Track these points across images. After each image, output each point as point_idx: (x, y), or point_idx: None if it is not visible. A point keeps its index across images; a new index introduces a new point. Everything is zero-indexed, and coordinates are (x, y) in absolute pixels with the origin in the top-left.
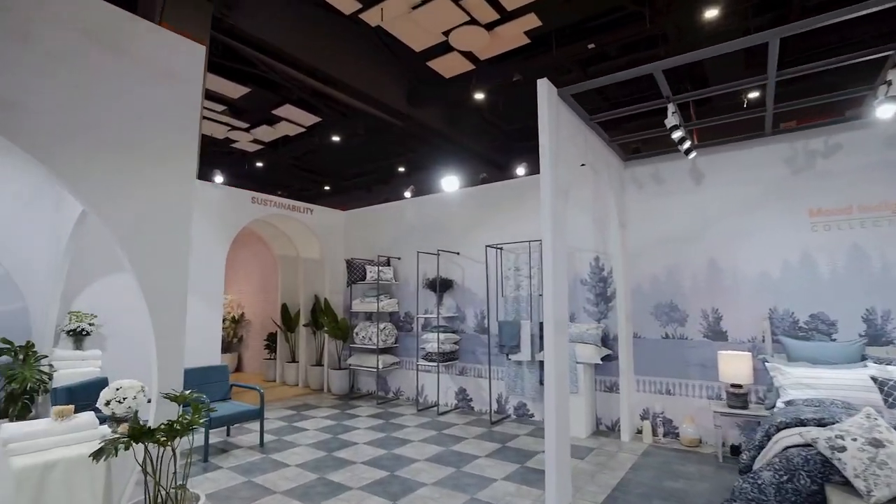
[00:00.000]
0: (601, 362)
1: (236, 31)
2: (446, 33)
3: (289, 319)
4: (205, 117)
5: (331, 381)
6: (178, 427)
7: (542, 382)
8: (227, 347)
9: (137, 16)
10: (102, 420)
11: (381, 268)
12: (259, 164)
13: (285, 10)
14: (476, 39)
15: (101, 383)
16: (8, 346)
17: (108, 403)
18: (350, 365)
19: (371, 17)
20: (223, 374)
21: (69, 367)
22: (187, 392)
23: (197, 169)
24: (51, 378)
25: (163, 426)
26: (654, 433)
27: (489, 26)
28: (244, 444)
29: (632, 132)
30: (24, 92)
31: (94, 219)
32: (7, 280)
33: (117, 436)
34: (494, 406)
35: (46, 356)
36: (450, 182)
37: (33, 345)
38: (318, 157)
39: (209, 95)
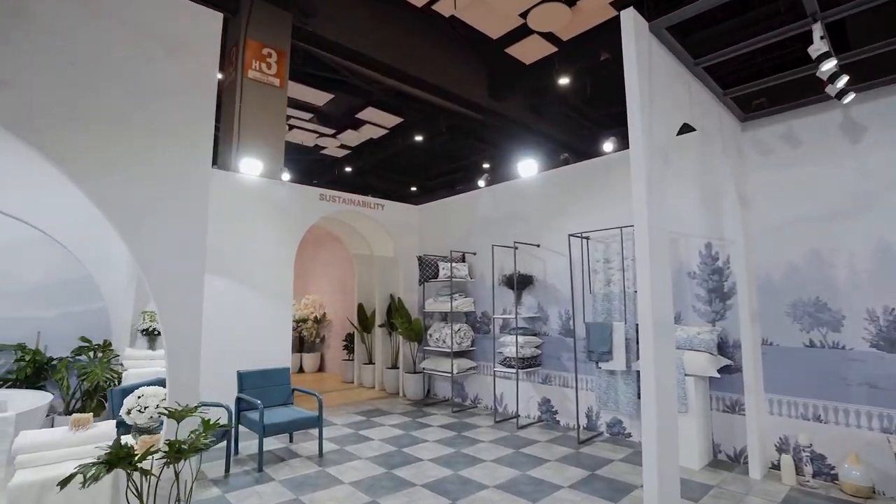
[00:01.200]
0: (717, 375)
1: (316, 38)
2: (524, 15)
3: (365, 320)
4: (294, 126)
5: (405, 385)
6: (175, 449)
7: (640, 396)
8: (310, 348)
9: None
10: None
11: (454, 264)
12: (348, 169)
13: (360, 12)
14: (556, 18)
15: (158, 385)
16: (87, 344)
17: (129, 412)
18: (424, 369)
19: (444, 6)
20: (284, 378)
21: (138, 367)
22: (193, 406)
23: (212, 150)
24: (120, 377)
25: (159, 448)
26: (799, 471)
27: (570, 1)
28: (305, 452)
29: (753, 80)
30: (15, 70)
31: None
32: (88, 281)
33: (92, 460)
34: (583, 421)
35: (118, 355)
36: (527, 166)
37: (110, 343)
38: (403, 158)
39: (296, 104)
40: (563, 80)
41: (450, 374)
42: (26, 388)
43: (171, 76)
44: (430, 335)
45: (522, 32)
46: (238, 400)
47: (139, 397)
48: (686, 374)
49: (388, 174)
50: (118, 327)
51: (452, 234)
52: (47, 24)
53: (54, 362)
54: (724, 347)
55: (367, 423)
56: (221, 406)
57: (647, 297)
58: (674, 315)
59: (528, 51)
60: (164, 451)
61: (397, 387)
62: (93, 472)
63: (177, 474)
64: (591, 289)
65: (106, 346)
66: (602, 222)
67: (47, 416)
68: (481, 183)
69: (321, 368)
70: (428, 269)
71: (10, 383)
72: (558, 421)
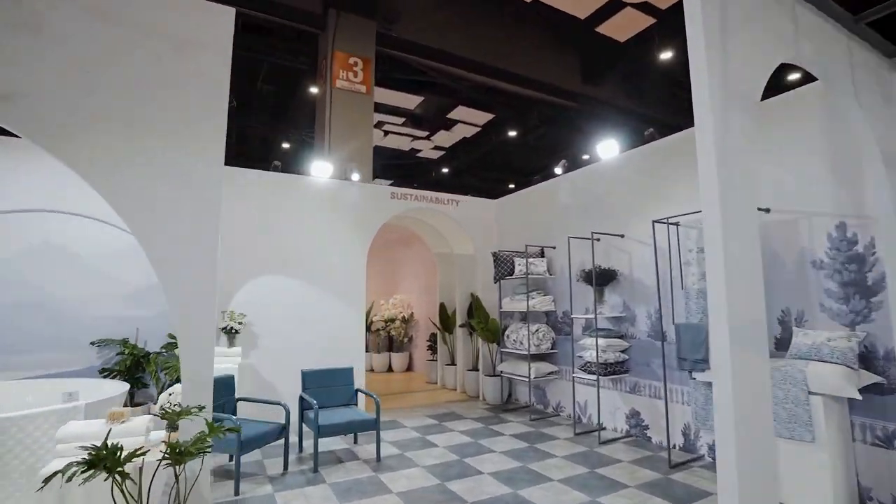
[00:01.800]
0: (858, 396)
1: (400, 42)
2: None
3: (446, 319)
4: (389, 131)
5: (485, 388)
6: (176, 451)
7: None
8: (399, 347)
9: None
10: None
11: (530, 259)
12: (444, 170)
13: (441, 11)
14: None
15: (224, 381)
16: (173, 340)
17: (162, 409)
18: (501, 372)
19: None
20: (347, 378)
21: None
22: (194, 408)
23: (223, 148)
24: None
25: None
26: None
27: None
28: (364, 455)
29: None
30: (30, 82)
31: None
32: (156, 290)
33: (75, 460)
34: (679, 440)
35: None
36: (607, 147)
37: None
38: (498, 155)
39: (388, 109)
40: (665, 55)
41: (527, 379)
42: (125, 379)
43: (179, 74)
44: (508, 336)
45: (613, 7)
46: (301, 399)
47: (170, 394)
48: (811, 393)
49: (483, 172)
50: None
51: (531, 228)
52: (61, 34)
53: (151, 357)
54: (872, 359)
55: (438, 427)
56: (280, 405)
57: (719, 293)
58: (795, 315)
59: (622, 27)
60: (166, 454)
61: (477, 390)
62: (71, 472)
63: (177, 476)
64: (683, 284)
65: None
66: (694, 205)
67: (143, 404)
68: (558, 170)
69: (409, 368)
70: (503, 266)
71: (113, 374)
72: (649, 438)
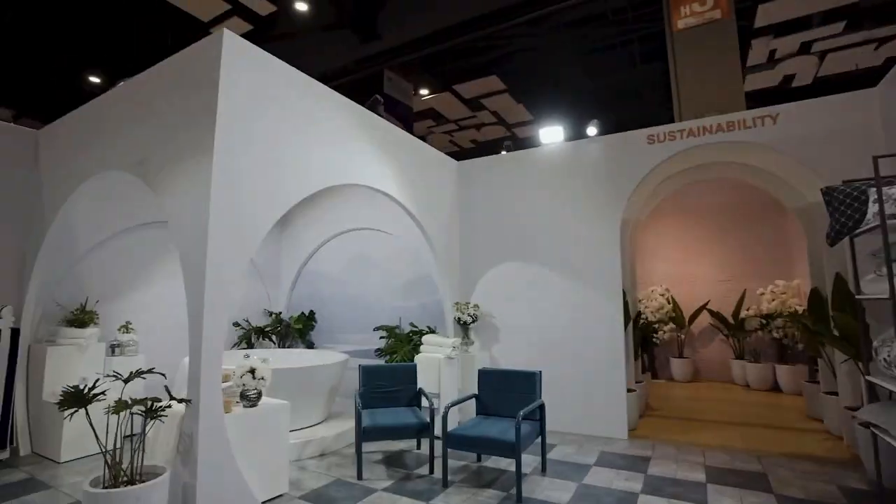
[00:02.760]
0: None
1: None
2: None
3: (823, 316)
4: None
5: (860, 444)
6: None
7: None
8: (793, 357)
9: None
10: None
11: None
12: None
13: None
14: None
15: (399, 369)
16: (415, 328)
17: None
18: (868, 423)
19: None
20: (530, 384)
21: (426, 352)
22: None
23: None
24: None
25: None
26: None
27: None
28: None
29: None
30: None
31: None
32: (429, 280)
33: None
34: None
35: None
36: None
37: (432, 329)
38: None
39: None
40: None
41: None
42: (387, 357)
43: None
44: (876, 350)
45: None
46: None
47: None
48: None
49: None
50: (448, 317)
51: None
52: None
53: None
54: None
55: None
56: (428, 401)
57: None
58: None
59: None
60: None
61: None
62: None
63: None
64: None
65: (421, 332)
66: None
67: None
68: None
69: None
70: (849, 210)
71: (383, 353)
72: None
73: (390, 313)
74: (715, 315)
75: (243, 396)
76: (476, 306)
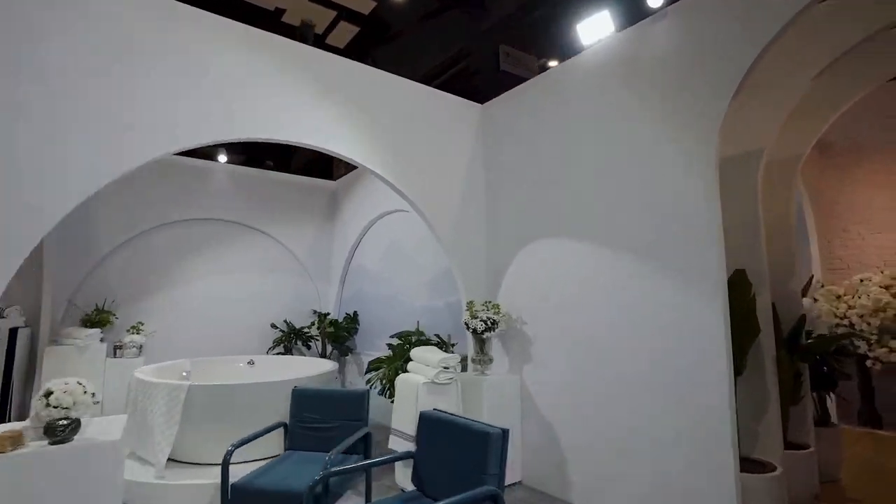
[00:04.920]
0: None
1: None
2: None
3: None
4: None
5: None
6: None
7: None
8: None
9: None
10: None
11: None
12: None
13: None
14: None
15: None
16: (425, 338)
17: None
18: None
19: None
20: (479, 450)
21: (413, 371)
22: None
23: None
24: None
25: None
26: None
27: None
28: None
29: None
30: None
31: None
32: (449, 276)
33: None
34: None
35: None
36: None
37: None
38: None
39: None
40: None
41: None
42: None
43: None
44: None
45: None
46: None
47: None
48: None
49: None
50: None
51: None
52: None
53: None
54: None
55: None
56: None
57: None
58: None
59: None
60: None
61: None
62: None
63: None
64: None
65: (428, 341)
66: None
67: None
68: None
69: None
70: None
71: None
72: None
73: (422, 314)
74: None
75: (49, 430)
76: (496, 307)
